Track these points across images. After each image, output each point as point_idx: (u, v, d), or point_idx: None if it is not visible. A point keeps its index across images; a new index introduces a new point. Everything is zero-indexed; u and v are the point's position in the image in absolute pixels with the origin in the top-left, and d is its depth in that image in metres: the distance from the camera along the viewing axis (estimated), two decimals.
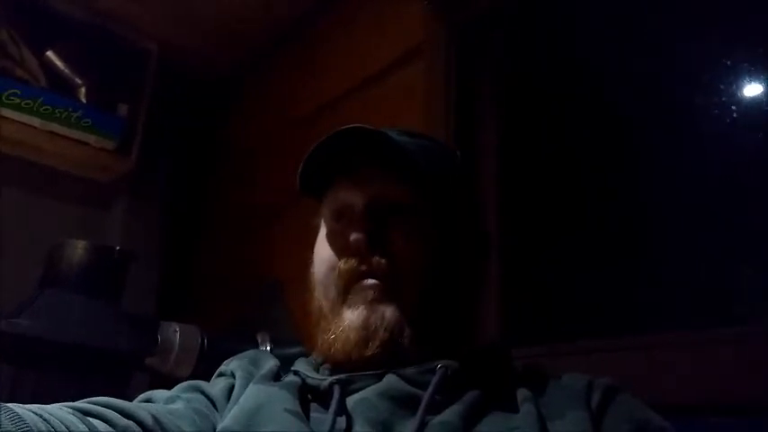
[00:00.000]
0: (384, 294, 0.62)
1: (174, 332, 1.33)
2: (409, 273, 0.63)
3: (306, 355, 0.74)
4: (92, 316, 1.23)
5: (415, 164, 0.63)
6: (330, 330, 0.64)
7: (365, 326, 0.61)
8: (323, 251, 0.68)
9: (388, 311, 0.61)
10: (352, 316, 0.62)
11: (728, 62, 0.99)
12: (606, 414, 0.56)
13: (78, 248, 1.29)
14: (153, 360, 1.31)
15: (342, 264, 0.64)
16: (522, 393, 0.58)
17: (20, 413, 0.43)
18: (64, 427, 0.46)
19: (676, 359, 0.81)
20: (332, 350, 0.63)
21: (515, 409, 0.57)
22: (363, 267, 0.63)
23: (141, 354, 1.29)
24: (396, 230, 0.64)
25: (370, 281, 0.63)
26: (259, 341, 1.35)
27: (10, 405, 0.43)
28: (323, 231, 0.71)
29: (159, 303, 1.86)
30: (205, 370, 0.75)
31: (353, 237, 0.62)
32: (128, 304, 1.35)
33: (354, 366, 0.61)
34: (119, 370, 1.27)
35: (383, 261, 0.63)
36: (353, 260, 0.63)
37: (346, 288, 0.64)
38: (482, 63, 1.27)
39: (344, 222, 0.66)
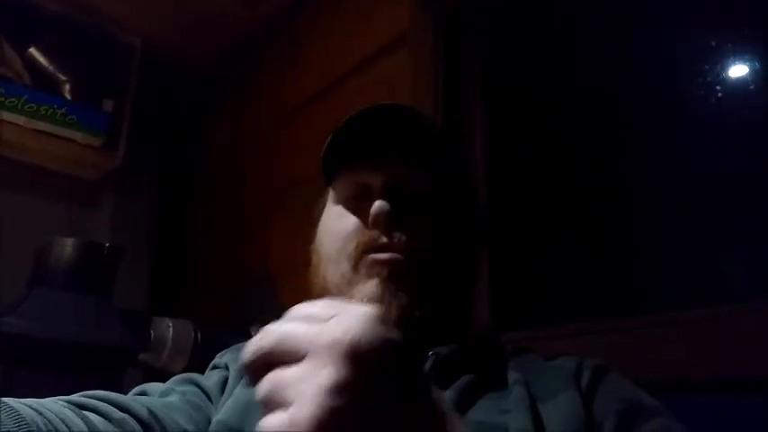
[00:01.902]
0: (400, 271, 0.61)
1: (166, 327, 1.33)
2: (425, 254, 0.63)
3: None
4: (83, 313, 1.23)
5: (436, 150, 0.64)
6: None
7: (379, 300, 0.59)
8: (337, 227, 0.66)
9: (403, 289, 0.61)
10: (365, 289, 0.61)
11: (713, 44, 1.00)
12: (596, 394, 0.57)
13: (67, 246, 1.29)
14: (146, 356, 1.31)
15: (362, 235, 0.63)
16: (512, 376, 0.59)
17: (16, 408, 0.43)
18: (59, 421, 0.46)
19: (662, 339, 0.82)
20: None
21: (507, 393, 0.57)
22: (384, 240, 0.62)
23: (134, 350, 1.29)
24: (413, 213, 0.64)
25: (388, 254, 0.61)
26: (252, 335, 1.35)
27: (6, 400, 0.43)
28: (332, 210, 0.69)
29: (151, 299, 1.86)
30: (198, 364, 0.75)
31: (376, 206, 0.61)
32: (119, 301, 1.34)
33: None
34: (112, 366, 1.27)
35: (403, 237, 0.62)
36: (375, 232, 0.62)
37: (361, 259, 0.62)
38: (468, 50, 1.28)
39: (361, 200, 0.65)
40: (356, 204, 0.66)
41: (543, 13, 1.26)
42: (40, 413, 0.45)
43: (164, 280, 1.94)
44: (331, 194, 0.71)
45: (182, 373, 0.69)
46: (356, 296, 0.61)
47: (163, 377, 0.68)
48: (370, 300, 0.60)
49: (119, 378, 1.28)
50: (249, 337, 1.20)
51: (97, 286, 1.30)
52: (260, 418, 0.56)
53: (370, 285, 0.61)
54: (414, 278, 0.62)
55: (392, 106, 0.64)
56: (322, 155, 0.67)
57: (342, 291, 0.63)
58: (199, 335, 1.36)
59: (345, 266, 0.63)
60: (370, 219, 0.62)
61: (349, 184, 0.68)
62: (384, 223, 0.62)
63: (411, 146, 0.65)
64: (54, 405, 0.48)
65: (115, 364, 1.28)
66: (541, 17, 1.26)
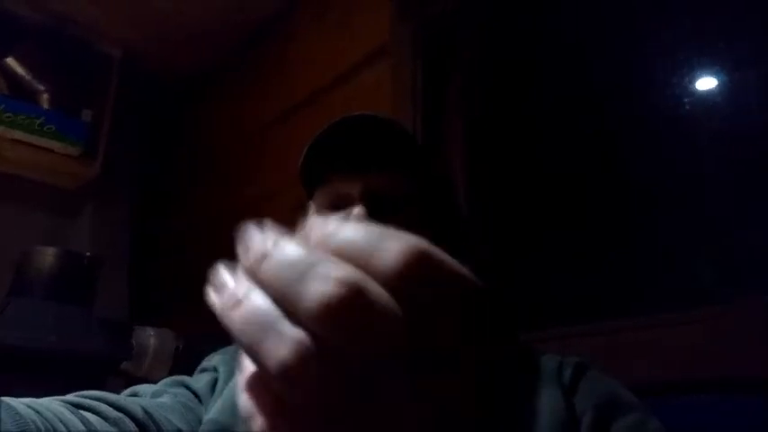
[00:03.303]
0: None
1: (148, 336, 1.33)
2: None
3: None
4: (63, 322, 1.23)
5: (414, 157, 0.65)
6: None
7: None
8: None
9: None
10: None
11: (683, 56, 1.04)
12: (578, 390, 0.58)
13: (48, 255, 1.28)
14: (128, 365, 1.31)
15: None
16: (497, 375, 0.60)
17: (15, 406, 0.44)
18: (58, 421, 0.46)
19: (656, 340, 0.84)
20: None
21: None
22: None
23: (116, 359, 1.29)
24: (391, 218, 0.64)
25: None
26: (234, 344, 1.35)
27: (4, 399, 0.44)
28: None
29: (132, 308, 1.85)
30: (180, 374, 0.75)
31: (353, 216, 0.62)
32: (99, 309, 1.34)
33: None
34: (93, 375, 1.26)
35: None
36: None
37: None
38: (447, 61, 1.30)
39: (341, 210, 0.66)
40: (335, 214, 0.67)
41: (522, 24, 1.29)
42: (38, 412, 0.46)
43: (144, 288, 1.93)
44: (312, 207, 0.72)
45: None
46: None
47: None
48: None
49: (100, 387, 1.27)
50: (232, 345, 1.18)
51: (78, 295, 1.30)
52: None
53: None
54: None
55: (363, 116, 0.65)
56: (299, 168, 0.68)
57: None
58: (181, 344, 1.36)
59: None
60: None
61: (327, 194, 0.69)
62: None
63: (385, 152, 0.66)
64: (51, 404, 0.49)
65: (96, 374, 1.27)
66: (521, 29, 1.29)
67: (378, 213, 0.64)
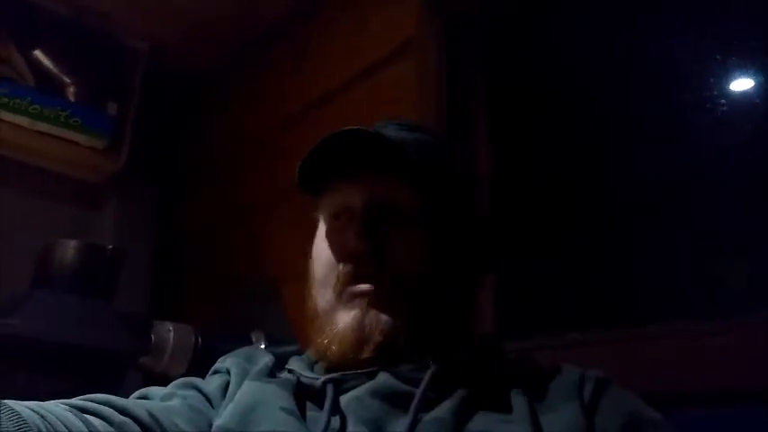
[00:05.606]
0: (380, 298, 0.62)
1: (167, 331, 1.33)
2: (406, 277, 0.63)
3: (300, 353, 0.74)
4: (84, 316, 1.23)
5: (414, 166, 0.63)
6: (324, 333, 0.64)
7: (360, 327, 0.61)
8: (323, 251, 0.68)
9: (384, 315, 0.62)
10: (346, 318, 0.62)
11: (718, 57, 1.01)
12: (599, 407, 0.57)
13: (70, 248, 1.29)
14: (146, 360, 1.31)
15: (341, 267, 0.65)
16: (514, 387, 0.59)
17: (18, 410, 0.43)
18: (61, 424, 0.46)
19: (664, 351, 0.82)
20: (328, 352, 0.63)
21: (508, 403, 0.57)
22: (361, 271, 0.63)
23: (135, 353, 1.29)
24: (394, 234, 0.64)
25: (367, 285, 0.63)
26: (253, 339, 1.35)
27: (8, 402, 0.43)
28: (322, 228, 0.70)
29: (152, 302, 1.86)
30: (199, 369, 0.76)
31: (352, 243, 0.63)
32: (120, 303, 1.34)
33: (349, 365, 0.62)
34: (112, 370, 1.26)
35: (382, 266, 0.63)
36: (351, 264, 0.64)
37: (343, 290, 0.64)
38: (474, 58, 1.28)
39: (344, 222, 0.66)
40: (338, 228, 0.67)
41: (550, 18, 1.26)
42: (42, 416, 0.45)
43: (165, 283, 1.94)
44: (320, 209, 0.72)
45: (182, 377, 0.70)
46: (338, 325, 0.63)
47: (163, 381, 0.68)
48: (351, 329, 0.61)
49: (119, 382, 1.27)
50: (250, 342, 1.19)
51: (99, 289, 1.30)
52: (261, 424, 0.57)
53: (351, 315, 0.62)
54: (398, 300, 0.62)
55: (365, 130, 0.64)
56: (297, 172, 0.67)
57: (328, 316, 0.65)
58: (200, 339, 1.36)
59: (330, 294, 0.65)
60: (349, 252, 0.64)
61: (331, 202, 0.69)
62: (362, 256, 0.63)
63: (390, 160, 0.64)
64: (56, 408, 0.48)
65: (115, 368, 1.28)
66: (548, 23, 1.27)
67: (380, 227, 0.64)
